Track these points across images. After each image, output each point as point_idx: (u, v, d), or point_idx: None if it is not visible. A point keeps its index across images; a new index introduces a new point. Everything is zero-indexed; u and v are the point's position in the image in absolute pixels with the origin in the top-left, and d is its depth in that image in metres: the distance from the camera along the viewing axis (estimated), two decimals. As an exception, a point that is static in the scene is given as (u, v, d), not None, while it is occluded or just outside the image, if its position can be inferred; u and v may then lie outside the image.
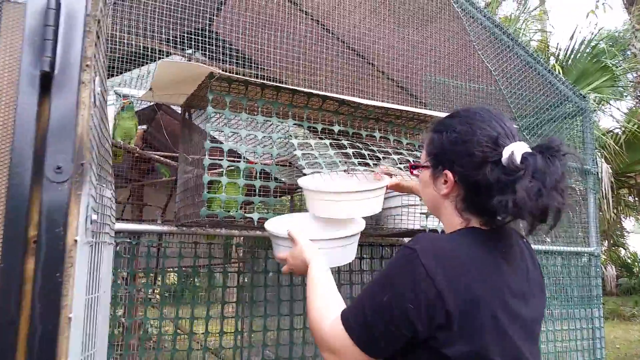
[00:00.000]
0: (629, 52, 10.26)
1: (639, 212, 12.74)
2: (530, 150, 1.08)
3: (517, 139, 1.14)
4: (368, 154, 1.95)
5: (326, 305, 1.23)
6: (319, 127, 2.01)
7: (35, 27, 0.69)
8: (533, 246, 3.11)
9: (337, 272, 2.70)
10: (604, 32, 9.49)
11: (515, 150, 1.08)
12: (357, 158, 1.90)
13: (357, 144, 2.00)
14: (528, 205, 1.01)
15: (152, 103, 3.80)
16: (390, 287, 1.06)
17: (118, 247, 2.20)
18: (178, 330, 2.31)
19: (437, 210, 1.29)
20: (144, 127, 4.04)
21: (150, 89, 1.97)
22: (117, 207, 4.61)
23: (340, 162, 1.87)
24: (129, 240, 2.14)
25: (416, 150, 2.16)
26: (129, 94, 2.28)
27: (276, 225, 1.71)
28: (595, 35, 7.76)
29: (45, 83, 0.69)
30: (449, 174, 1.18)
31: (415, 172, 1.36)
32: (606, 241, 13.11)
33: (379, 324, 1.05)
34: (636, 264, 16.19)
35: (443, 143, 1.21)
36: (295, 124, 1.99)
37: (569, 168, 1.10)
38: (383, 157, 1.98)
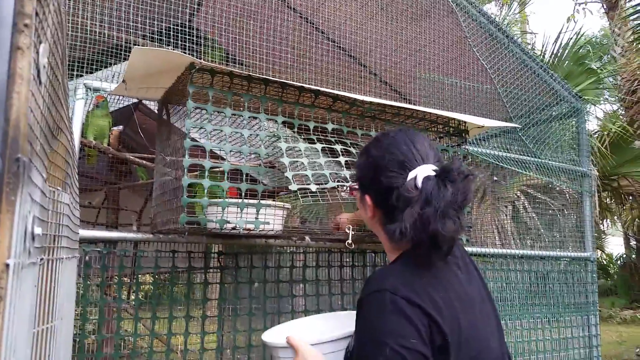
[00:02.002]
0: (605, 57, 10.33)
1: (614, 214, 12.84)
2: (430, 174, 1.06)
3: (430, 161, 1.10)
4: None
5: None
6: (311, 125, 1.83)
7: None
8: (528, 251, 3.04)
9: (326, 281, 2.53)
10: (586, 36, 9.54)
11: (419, 174, 1.06)
12: (350, 169, 1.75)
13: (351, 148, 1.83)
14: (411, 234, 1.00)
15: (128, 103, 3.59)
16: (386, 338, 0.97)
17: (87, 257, 1.99)
18: (154, 348, 2.10)
19: (374, 231, 1.27)
20: (120, 127, 3.83)
21: (123, 82, 1.77)
22: (91, 212, 4.39)
23: (330, 175, 1.70)
24: (99, 250, 1.94)
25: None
26: (100, 88, 2.07)
27: (275, 335, 1.51)
28: (578, 39, 7.76)
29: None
30: (368, 199, 1.19)
31: (353, 194, 1.37)
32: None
33: None
34: (611, 265, 16.42)
35: (361, 168, 1.23)
36: (284, 122, 1.81)
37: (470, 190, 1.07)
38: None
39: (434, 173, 1.06)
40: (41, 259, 0.68)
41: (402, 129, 1.21)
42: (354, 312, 1.60)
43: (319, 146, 1.76)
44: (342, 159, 1.75)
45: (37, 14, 0.54)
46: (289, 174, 1.62)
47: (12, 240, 0.50)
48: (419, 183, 1.05)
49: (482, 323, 1.07)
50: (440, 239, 0.99)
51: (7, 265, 0.50)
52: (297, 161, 1.69)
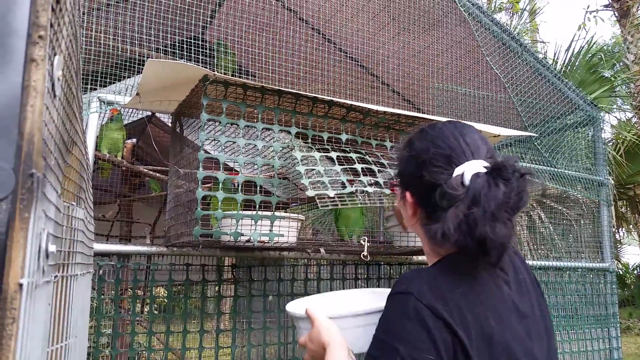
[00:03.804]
0: (617, 65, 10.23)
1: (631, 223, 12.63)
2: (480, 171, 0.94)
3: (480, 156, 0.99)
4: (378, 169, 1.76)
5: None
6: (325, 136, 1.81)
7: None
8: (542, 262, 2.91)
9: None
10: (597, 45, 9.46)
11: (467, 170, 0.94)
12: (367, 175, 1.71)
13: (367, 157, 1.81)
14: (455, 237, 0.89)
15: (142, 116, 3.60)
16: (399, 344, 0.89)
17: (102, 271, 1.98)
18: (168, 363, 2.07)
19: (414, 231, 1.16)
20: (133, 140, 3.84)
21: (137, 94, 1.77)
22: (104, 225, 4.40)
23: (347, 181, 1.66)
24: (112, 264, 1.92)
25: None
26: (114, 101, 2.07)
27: (300, 305, 1.44)
28: (590, 47, 7.70)
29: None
30: (409, 196, 1.08)
31: (394, 190, 1.27)
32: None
33: None
34: (628, 275, 16.11)
35: (403, 163, 1.11)
36: (298, 133, 1.79)
37: (526, 191, 0.95)
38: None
39: (484, 170, 0.94)
40: (55, 277, 0.66)
41: (451, 121, 1.10)
42: (388, 289, 1.58)
43: (333, 154, 1.74)
44: (358, 166, 1.72)
45: (51, 25, 0.53)
46: (305, 181, 1.59)
47: (25, 259, 0.49)
48: (467, 180, 0.93)
49: (526, 344, 0.93)
50: (488, 245, 0.88)
51: (21, 285, 0.48)
52: (313, 169, 1.66)
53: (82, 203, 0.92)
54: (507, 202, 0.89)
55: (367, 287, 2.59)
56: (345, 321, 1.24)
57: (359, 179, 1.72)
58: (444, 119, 2.00)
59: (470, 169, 0.94)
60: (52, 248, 0.55)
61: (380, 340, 0.93)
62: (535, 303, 1.02)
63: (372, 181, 1.71)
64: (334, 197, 1.63)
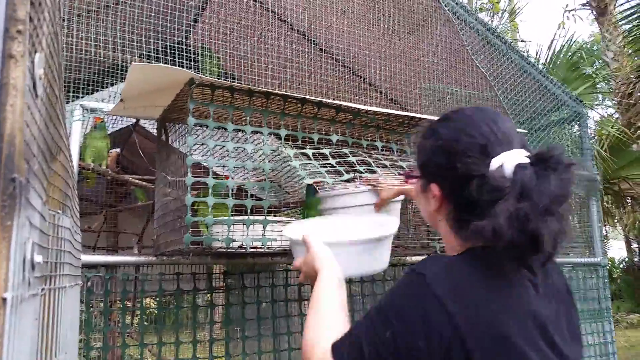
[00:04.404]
0: (597, 62, 10.38)
1: (615, 217, 12.78)
2: (524, 162, 0.88)
3: (514, 146, 0.92)
4: (372, 161, 1.74)
5: (324, 328, 1.02)
6: (315, 137, 1.79)
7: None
8: None
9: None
10: (577, 43, 9.60)
11: (507, 161, 0.88)
12: (362, 165, 1.69)
13: (359, 152, 1.78)
14: (508, 234, 0.82)
15: (125, 125, 3.54)
16: (394, 319, 0.85)
17: (89, 283, 1.93)
18: (161, 375, 2.02)
19: (435, 227, 1.09)
20: (118, 149, 3.78)
21: (122, 100, 1.72)
22: (90, 236, 4.33)
23: (344, 170, 1.64)
24: (100, 275, 1.87)
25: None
26: (97, 108, 2.02)
27: (297, 229, 1.46)
28: (570, 45, 7.81)
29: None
30: (435, 189, 1.00)
31: (410, 181, 1.17)
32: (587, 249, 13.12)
33: None
34: (614, 269, 16.29)
35: (428, 152, 1.02)
36: (288, 135, 1.76)
37: (574, 182, 0.89)
38: (390, 166, 1.76)
39: (527, 160, 0.88)
40: (42, 289, 0.62)
41: (478, 107, 1.03)
42: (391, 219, 1.55)
43: (326, 150, 1.71)
44: (353, 159, 1.68)
45: (31, 19, 0.49)
46: (302, 172, 1.56)
47: (9, 271, 0.45)
48: (507, 172, 0.87)
49: (544, 351, 0.87)
50: (541, 241, 0.82)
51: (4, 300, 0.44)
52: (308, 163, 1.63)
53: (69, 211, 0.88)
54: (559, 195, 0.84)
55: (362, 290, 2.56)
56: (340, 248, 1.29)
57: (355, 168, 1.69)
58: (435, 118, 1.99)
59: (510, 159, 0.88)
60: (38, 258, 0.51)
61: (381, 308, 0.90)
62: (562, 310, 0.95)
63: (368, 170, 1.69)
64: (332, 183, 1.61)
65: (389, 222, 1.54)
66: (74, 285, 0.95)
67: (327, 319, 1.05)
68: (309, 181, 1.56)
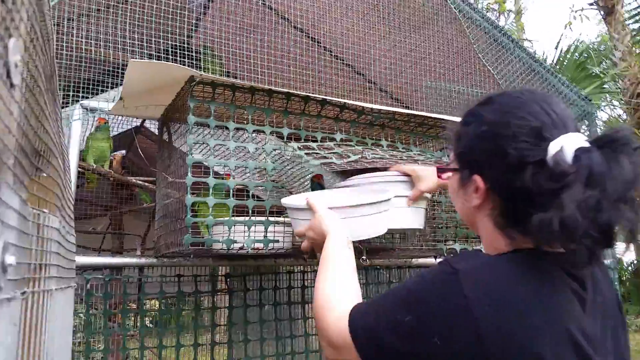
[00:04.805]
0: (604, 62, 10.32)
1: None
2: (587, 145, 0.78)
3: (570, 130, 0.82)
4: (382, 156, 1.70)
5: (337, 292, 1.00)
6: (319, 135, 1.75)
7: None
8: None
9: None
10: (584, 43, 9.53)
11: (566, 145, 0.78)
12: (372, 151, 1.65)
13: (360, 147, 1.74)
14: (582, 225, 0.71)
15: (130, 127, 3.51)
16: (415, 307, 0.79)
17: (89, 285, 1.89)
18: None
19: (474, 227, 0.97)
20: (123, 152, 3.76)
21: (121, 99, 1.69)
22: (96, 238, 4.31)
23: (352, 154, 1.60)
24: (101, 277, 1.84)
25: (429, 160, 1.90)
26: (97, 107, 1.99)
27: (296, 199, 1.47)
28: (578, 45, 7.75)
29: None
30: (479, 180, 0.88)
31: (444, 176, 1.05)
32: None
33: (389, 341, 0.80)
34: (623, 272, 16.11)
35: (470, 139, 0.91)
36: (291, 134, 1.72)
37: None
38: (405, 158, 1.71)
39: (588, 144, 0.79)
40: (23, 293, 0.58)
41: (527, 88, 0.93)
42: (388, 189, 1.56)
43: (331, 143, 1.68)
44: (359, 147, 1.65)
45: (3, 1, 0.46)
46: (308, 158, 1.54)
47: (-25, 273, 0.41)
48: (568, 156, 0.77)
49: None
50: (615, 233, 0.74)
51: (-30, 305, 0.41)
52: (313, 153, 1.60)
53: (58, 212, 0.84)
54: (632, 181, 0.75)
55: (367, 292, 2.52)
56: (344, 211, 1.30)
57: (364, 154, 1.64)
58: (441, 116, 1.95)
59: (570, 143, 0.78)
60: (11, 260, 0.47)
61: (407, 290, 0.84)
62: (609, 327, 0.85)
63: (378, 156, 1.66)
64: (340, 164, 1.57)
65: (387, 190, 1.54)
66: (64, 288, 0.91)
67: (340, 282, 1.04)
68: (315, 162, 1.52)
